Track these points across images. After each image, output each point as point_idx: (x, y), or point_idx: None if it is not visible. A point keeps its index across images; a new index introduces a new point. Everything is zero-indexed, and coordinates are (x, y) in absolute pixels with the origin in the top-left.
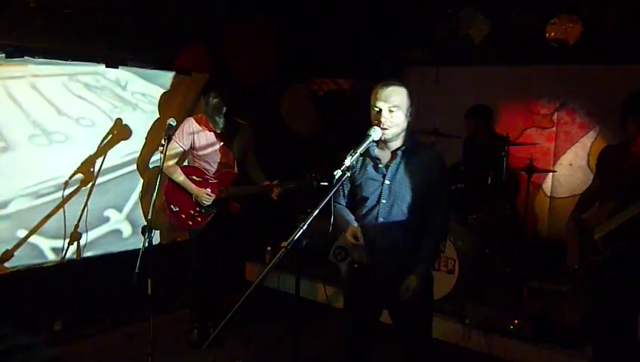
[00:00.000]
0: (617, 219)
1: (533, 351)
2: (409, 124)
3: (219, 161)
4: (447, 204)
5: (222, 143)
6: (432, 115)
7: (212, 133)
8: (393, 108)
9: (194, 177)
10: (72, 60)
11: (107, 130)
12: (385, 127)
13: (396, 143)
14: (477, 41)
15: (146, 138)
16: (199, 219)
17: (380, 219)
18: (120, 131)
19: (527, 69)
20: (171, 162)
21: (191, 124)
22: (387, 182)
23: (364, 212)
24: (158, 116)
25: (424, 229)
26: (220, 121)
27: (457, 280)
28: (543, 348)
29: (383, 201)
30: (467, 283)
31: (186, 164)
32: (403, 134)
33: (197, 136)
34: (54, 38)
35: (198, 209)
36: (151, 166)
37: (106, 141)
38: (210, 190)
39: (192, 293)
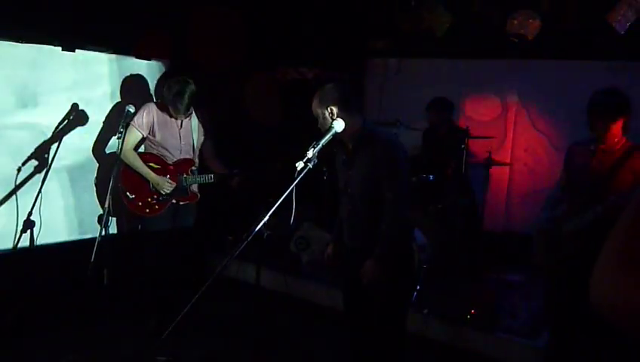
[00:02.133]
0: (585, 218)
1: (489, 340)
2: (348, 116)
3: (178, 148)
4: (397, 192)
5: (182, 130)
6: (395, 106)
7: (172, 119)
8: (317, 115)
9: (152, 164)
10: (27, 42)
11: (63, 115)
12: (321, 129)
13: (347, 135)
14: (439, 34)
15: (103, 123)
16: (157, 207)
17: (349, 207)
18: (76, 117)
19: (487, 62)
20: (129, 148)
21: (150, 110)
22: (349, 172)
23: (342, 199)
24: (118, 101)
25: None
26: (182, 108)
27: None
28: (498, 337)
29: (349, 190)
30: (426, 273)
31: (142, 150)
32: (350, 127)
33: (156, 123)
34: (7, 18)
35: (156, 197)
36: (107, 152)
37: (61, 126)
38: (170, 178)
39: (149, 283)
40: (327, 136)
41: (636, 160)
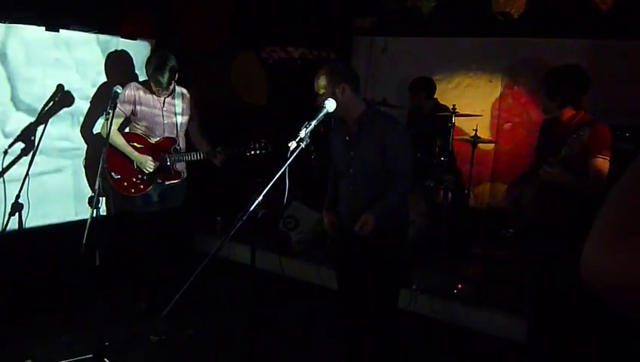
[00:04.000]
0: (538, 182)
1: (475, 314)
2: (355, 96)
3: (161, 126)
4: (404, 168)
5: (164, 108)
6: (382, 85)
7: (155, 97)
8: (320, 91)
9: (135, 144)
10: (10, 22)
11: (49, 96)
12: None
13: (353, 116)
14: (425, 12)
15: (90, 103)
16: (142, 187)
17: (350, 188)
18: (62, 98)
19: (472, 40)
20: (113, 128)
21: (132, 89)
22: (352, 152)
23: (341, 181)
24: (105, 81)
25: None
26: (163, 81)
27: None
28: (484, 311)
29: (351, 171)
30: (414, 249)
31: (127, 130)
32: (357, 107)
33: (138, 101)
34: None
35: (140, 176)
36: (94, 133)
37: (47, 108)
38: (152, 156)
39: (139, 264)
40: (320, 116)
41: (586, 134)
